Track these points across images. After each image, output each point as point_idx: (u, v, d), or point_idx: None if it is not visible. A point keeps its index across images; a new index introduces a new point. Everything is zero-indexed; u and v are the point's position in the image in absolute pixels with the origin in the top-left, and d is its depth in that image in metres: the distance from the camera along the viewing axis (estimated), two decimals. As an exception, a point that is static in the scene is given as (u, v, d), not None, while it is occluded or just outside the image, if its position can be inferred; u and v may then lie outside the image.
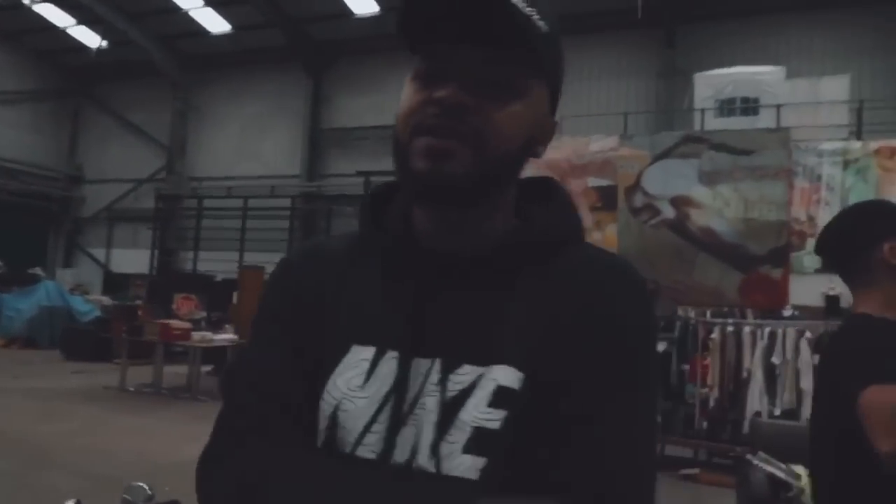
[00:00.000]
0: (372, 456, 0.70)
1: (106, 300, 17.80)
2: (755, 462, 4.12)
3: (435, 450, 0.69)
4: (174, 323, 10.05)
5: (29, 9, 21.90)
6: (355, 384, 0.72)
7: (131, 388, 9.71)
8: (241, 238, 22.12)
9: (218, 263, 20.51)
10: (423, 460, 0.68)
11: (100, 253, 25.30)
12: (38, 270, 22.34)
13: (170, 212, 23.51)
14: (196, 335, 9.98)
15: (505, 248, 0.76)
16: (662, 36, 17.04)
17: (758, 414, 6.15)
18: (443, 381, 0.71)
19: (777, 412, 6.20)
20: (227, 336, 10.32)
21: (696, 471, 6.22)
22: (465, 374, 0.71)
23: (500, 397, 0.69)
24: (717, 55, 16.16)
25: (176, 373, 10.14)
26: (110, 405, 8.71)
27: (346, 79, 22.10)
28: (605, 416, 0.69)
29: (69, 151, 26.32)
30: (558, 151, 17.28)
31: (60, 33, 22.86)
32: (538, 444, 0.67)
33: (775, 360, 6.37)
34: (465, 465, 0.67)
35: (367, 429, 0.71)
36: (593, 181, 16.76)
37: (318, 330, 0.77)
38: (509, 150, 0.72)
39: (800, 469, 3.68)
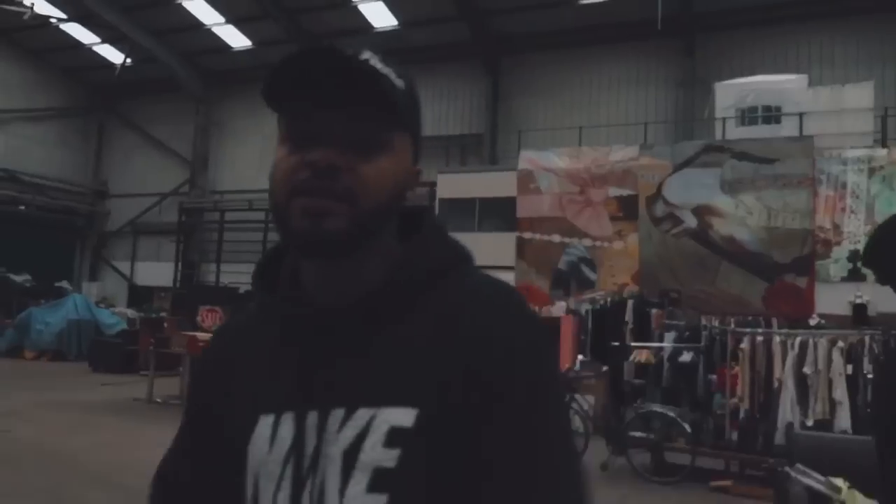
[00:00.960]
0: None
1: (131, 312, 18.04)
2: (793, 475, 4.09)
3: (342, 493, 0.73)
4: (200, 335, 10.16)
5: (56, 27, 22.36)
6: (263, 451, 0.78)
7: (159, 400, 9.83)
8: (263, 251, 22.28)
9: (240, 276, 20.68)
10: None
11: (124, 266, 25.64)
12: (64, 284, 22.70)
13: (193, 225, 23.79)
14: (222, 347, 10.07)
15: (381, 292, 0.78)
16: (682, 46, 16.99)
17: (790, 425, 6.08)
18: (341, 429, 0.74)
19: (809, 423, 6.13)
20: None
21: (727, 483, 6.17)
22: (359, 419, 0.74)
23: (394, 437, 0.72)
24: (737, 64, 16.10)
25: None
26: (139, 417, 8.82)
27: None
28: (519, 451, 0.70)
29: (94, 167, 26.74)
30: (578, 161, 17.32)
31: (86, 51, 23.30)
32: (440, 478, 0.71)
33: (807, 370, 6.30)
34: None
35: (277, 488, 0.76)
36: (614, 191, 16.78)
37: (229, 407, 0.84)
38: (380, 203, 0.75)
39: (839, 482, 3.64)
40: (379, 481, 0.71)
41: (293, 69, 0.73)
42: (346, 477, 0.73)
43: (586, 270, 16.77)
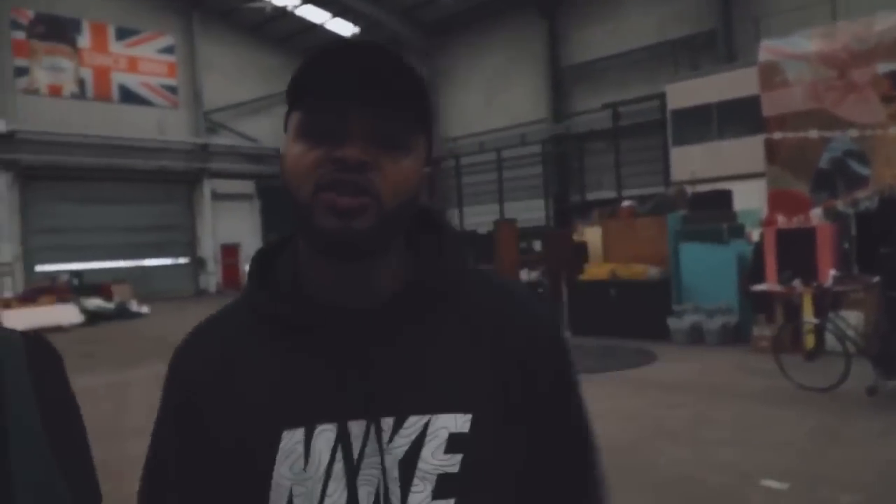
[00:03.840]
0: None
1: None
2: None
3: (405, 503, 0.72)
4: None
5: (292, 13, 24.74)
6: (298, 468, 0.73)
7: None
8: (500, 189, 22.91)
9: (482, 216, 21.55)
10: None
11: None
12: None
13: (432, 173, 25.21)
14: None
15: (410, 294, 0.77)
16: None
17: None
18: (392, 438, 0.72)
19: None
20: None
21: None
22: (412, 427, 0.73)
23: (454, 442, 0.73)
24: None
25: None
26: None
27: (579, 11, 21.38)
28: (576, 448, 0.81)
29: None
30: (834, 40, 14.95)
31: (321, 30, 25.46)
32: (505, 477, 0.75)
33: None
34: None
35: None
36: (884, 66, 14.28)
37: (234, 424, 0.76)
38: (402, 203, 0.74)
39: None
40: (444, 487, 0.72)
41: (327, 63, 0.71)
42: (405, 486, 0.72)
43: (856, 165, 14.57)
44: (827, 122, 14.93)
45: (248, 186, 26.49)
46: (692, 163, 15.77)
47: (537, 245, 14.36)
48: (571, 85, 21.74)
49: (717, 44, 17.89)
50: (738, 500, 3.98)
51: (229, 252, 25.89)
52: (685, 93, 16.74)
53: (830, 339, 6.68)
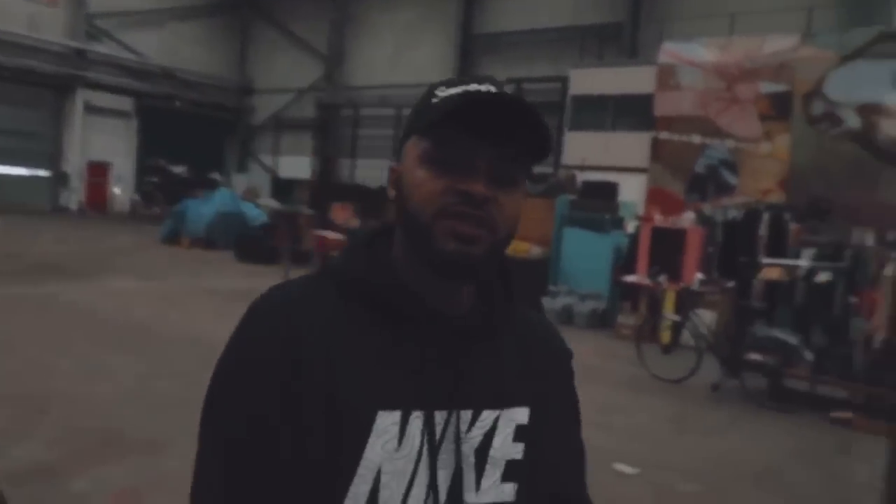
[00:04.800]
0: None
1: (274, 203, 19.27)
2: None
3: (479, 485, 0.84)
4: (329, 234, 10.68)
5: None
6: (391, 448, 0.80)
7: (293, 292, 10.57)
8: (395, 146, 22.68)
9: (373, 171, 21.29)
10: (471, 498, 0.84)
11: (268, 159, 27.16)
12: (216, 175, 24.54)
13: (329, 120, 24.54)
14: (349, 245, 10.58)
15: (495, 311, 0.91)
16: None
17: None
18: (470, 429, 0.84)
19: (956, 361, 5.54)
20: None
21: (849, 415, 5.78)
22: (485, 419, 0.86)
23: (519, 433, 0.88)
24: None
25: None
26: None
27: (498, -20, 21.32)
28: (579, 443, 0.99)
29: (240, 63, 27.98)
30: (727, 53, 15.79)
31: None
32: (549, 463, 0.91)
33: (962, 303, 5.64)
34: (506, 492, 0.86)
35: (410, 484, 0.81)
36: (766, 87, 15.27)
37: (327, 399, 0.79)
38: (509, 234, 0.84)
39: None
40: (510, 472, 0.86)
41: (472, 104, 0.78)
42: (479, 471, 0.84)
43: (727, 174, 15.66)
44: (709, 130, 15.88)
45: (126, 103, 24.63)
46: (584, 149, 16.28)
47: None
48: (480, 54, 21.75)
49: (623, 37, 18.46)
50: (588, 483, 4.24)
51: (97, 170, 24.07)
52: (587, 80, 17.22)
53: (686, 335, 7.22)
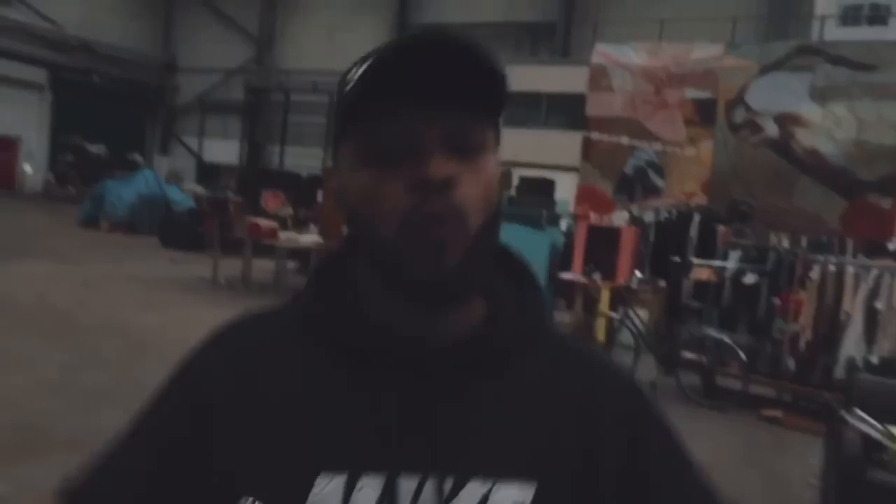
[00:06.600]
0: None
1: (199, 189, 18.57)
2: (850, 420, 3.97)
3: None
4: (262, 222, 10.37)
5: None
6: None
7: (222, 281, 10.22)
8: (327, 134, 22.31)
9: (304, 159, 20.86)
10: None
11: (193, 142, 26.14)
12: (136, 156, 23.43)
13: (258, 104, 23.84)
14: (283, 235, 10.29)
15: (490, 339, 0.66)
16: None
17: (852, 360, 5.88)
18: (449, 503, 0.62)
19: (874, 359, 5.91)
20: (312, 238, 10.60)
21: (778, 413, 6.08)
22: (472, 493, 0.62)
23: None
24: (848, -44, 14.52)
25: (262, 268, 10.56)
26: (203, 297, 9.21)
27: (437, -29, 21.25)
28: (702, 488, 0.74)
29: (164, 39, 26.77)
30: (656, 58, 16.29)
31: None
32: None
33: (879, 305, 6.00)
34: None
35: None
36: (691, 93, 15.83)
37: (253, 455, 0.63)
38: (491, 219, 0.63)
39: None
40: None
41: (376, 73, 0.58)
42: None
43: (654, 176, 16.17)
44: (637, 132, 16.35)
45: (39, 75, 23.16)
46: (515, 146, 16.45)
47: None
48: (416, 44, 21.65)
49: (557, 36, 18.75)
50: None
51: (5, 146, 22.57)
52: (521, 77, 17.37)
53: (624, 333, 7.40)
